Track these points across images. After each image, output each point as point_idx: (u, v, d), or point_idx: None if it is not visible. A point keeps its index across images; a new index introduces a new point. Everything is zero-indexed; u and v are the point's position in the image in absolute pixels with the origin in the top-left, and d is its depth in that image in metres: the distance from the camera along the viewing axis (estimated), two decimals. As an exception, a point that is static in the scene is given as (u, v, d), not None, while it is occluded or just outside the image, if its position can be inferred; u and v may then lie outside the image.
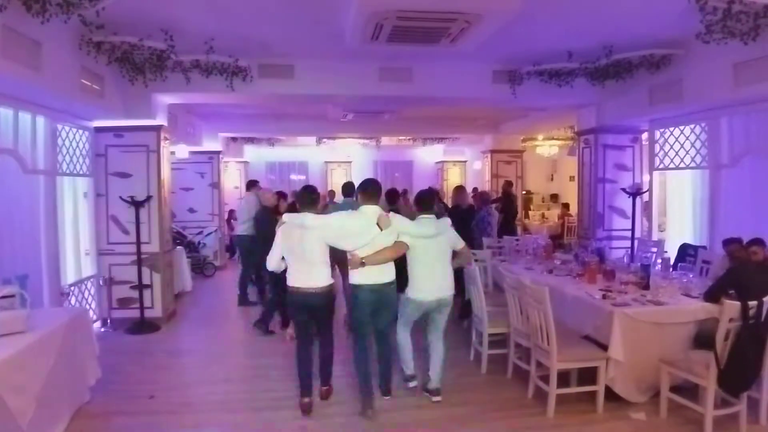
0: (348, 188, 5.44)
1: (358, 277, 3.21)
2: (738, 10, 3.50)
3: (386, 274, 3.26)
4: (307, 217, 3.22)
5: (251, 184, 6.98)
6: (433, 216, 3.43)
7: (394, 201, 5.25)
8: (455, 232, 3.52)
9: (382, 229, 3.16)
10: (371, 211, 3.22)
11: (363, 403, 3.32)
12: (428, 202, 3.49)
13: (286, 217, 3.32)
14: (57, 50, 3.74)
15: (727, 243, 3.91)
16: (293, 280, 3.27)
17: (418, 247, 3.30)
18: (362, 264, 3.13)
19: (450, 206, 6.82)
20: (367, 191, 3.31)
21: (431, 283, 3.35)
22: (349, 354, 3.77)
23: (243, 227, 6.48)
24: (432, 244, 3.34)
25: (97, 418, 3.33)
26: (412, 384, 3.64)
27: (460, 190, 6.66)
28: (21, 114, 4.02)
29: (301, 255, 3.21)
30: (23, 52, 3.33)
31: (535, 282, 3.62)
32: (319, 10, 3.95)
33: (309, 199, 3.36)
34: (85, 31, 3.98)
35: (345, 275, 3.85)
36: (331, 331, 3.53)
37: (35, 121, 4.23)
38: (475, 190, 9.84)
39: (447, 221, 3.47)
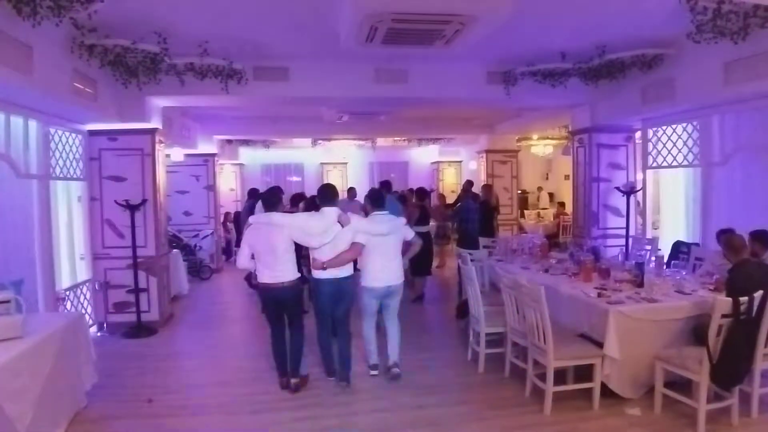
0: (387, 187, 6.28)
1: (320, 272, 3.62)
2: (728, 9, 3.54)
3: (344, 269, 3.69)
4: (274, 216, 3.58)
5: (254, 193, 6.85)
6: (386, 212, 3.86)
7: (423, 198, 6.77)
8: (407, 227, 3.98)
9: (343, 226, 3.58)
10: (332, 212, 3.61)
11: (329, 373, 3.86)
12: (380, 199, 3.93)
13: (252, 218, 3.68)
14: (48, 53, 3.71)
15: (720, 234, 3.95)
16: (263, 277, 3.60)
17: (373, 242, 3.68)
18: (324, 267, 3.55)
19: (480, 202, 7.33)
20: (326, 195, 3.71)
21: (383, 274, 3.77)
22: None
23: None
24: (386, 240, 3.75)
25: (94, 422, 3.32)
26: (374, 372, 3.94)
27: (489, 188, 7.90)
28: (12, 118, 3.99)
29: (269, 252, 3.52)
30: (14, 55, 3.31)
31: (531, 281, 3.65)
32: (313, 12, 3.96)
33: (274, 200, 3.73)
34: (77, 34, 3.96)
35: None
36: (300, 321, 3.80)
37: (27, 124, 4.20)
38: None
39: (402, 220, 3.97)
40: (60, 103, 4.20)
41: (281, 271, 3.54)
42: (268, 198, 3.76)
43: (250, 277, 6.33)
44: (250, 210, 6.32)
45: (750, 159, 4.75)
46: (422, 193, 7.07)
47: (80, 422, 3.28)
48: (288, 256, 3.57)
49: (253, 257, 3.61)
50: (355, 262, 3.81)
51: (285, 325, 3.79)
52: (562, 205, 11.20)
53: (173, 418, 3.39)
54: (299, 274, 3.65)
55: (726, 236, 3.60)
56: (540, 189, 12.65)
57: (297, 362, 3.76)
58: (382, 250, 3.75)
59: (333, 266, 3.57)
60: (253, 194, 7.03)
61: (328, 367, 3.89)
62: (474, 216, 6.61)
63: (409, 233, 3.97)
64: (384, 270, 3.78)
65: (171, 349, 5.03)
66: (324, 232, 3.54)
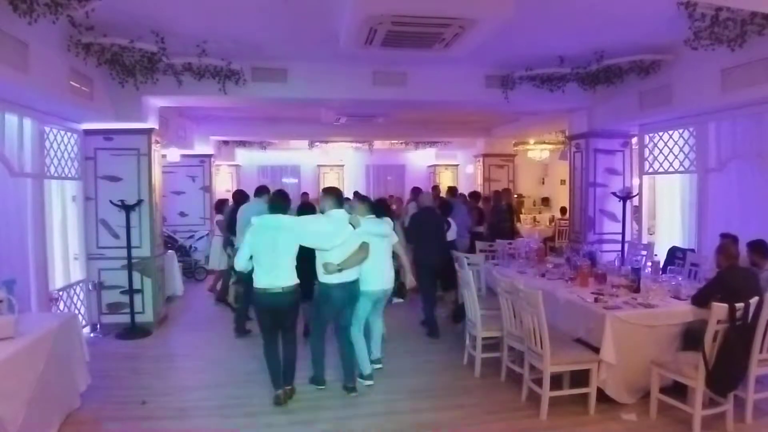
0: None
1: (331, 276, 3.53)
2: (725, 17, 3.58)
3: (353, 273, 3.65)
4: (283, 219, 3.49)
5: (263, 190, 5.66)
6: (374, 217, 3.97)
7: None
8: (393, 231, 4.13)
9: (354, 227, 3.60)
10: (341, 214, 3.64)
11: (319, 382, 3.77)
12: (382, 208, 4.17)
13: (255, 219, 3.50)
14: (44, 51, 3.68)
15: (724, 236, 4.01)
16: (260, 282, 3.45)
17: (373, 245, 3.73)
18: (339, 270, 3.49)
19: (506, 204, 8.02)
20: (330, 197, 3.71)
21: (380, 276, 3.85)
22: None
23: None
24: (383, 242, 3.89)
25: (87, 424, 3.28)
26: (369, 382, 3.84)
27: (508, 192, 8.61)
28: (7, 116, 3.95)
29: (272, 256, 3.41)
30: (9, 53, 3.28)
31: (528, 286, 3.65)
32: (313, 13, 3.95)
33: (283, 202, 3.66)
34: (74, 33, 3.93)
35: None
36: (295, 331, 3.73)
37: (22, 123, 4.16)
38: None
39: (390, 222, 4.09)
40: (55, 102, 4.16)
41: (280, 276, 3.42)
42: (277, 201, 3.67)
43: (216, 289, 6.72)
44: (231, 215, 5.74)
45: (746, 165, 4.78)
46: (477, 196, 7.82)
47: (73, 423, 3.24)
48: (289, 260, 3.46)
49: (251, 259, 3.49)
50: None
51: (278, 336, 3.63)
52: (562, 210, 11.20)
53: (167, 420, 3.35)
54: (298, 281, 3.52)
55: (723, 242, 3.62)
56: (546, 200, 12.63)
57: (291, 374, 3.66)
58: (381, 253, 3.84)
59: (348, 267, 3.53)
60: (240, 197, 6.12)
61: (319, 376, 3.80)
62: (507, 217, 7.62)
63: (395, 236, 4.12)
64: (380, 272, 3.84)
65: (165, 350, 4.98)
66: (334, 235, 3.51)
